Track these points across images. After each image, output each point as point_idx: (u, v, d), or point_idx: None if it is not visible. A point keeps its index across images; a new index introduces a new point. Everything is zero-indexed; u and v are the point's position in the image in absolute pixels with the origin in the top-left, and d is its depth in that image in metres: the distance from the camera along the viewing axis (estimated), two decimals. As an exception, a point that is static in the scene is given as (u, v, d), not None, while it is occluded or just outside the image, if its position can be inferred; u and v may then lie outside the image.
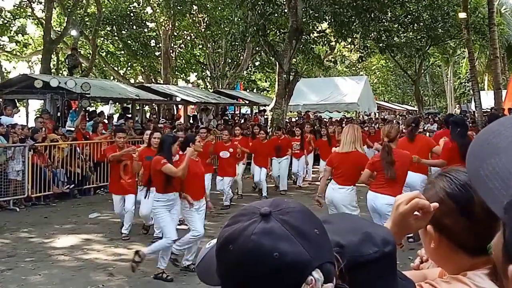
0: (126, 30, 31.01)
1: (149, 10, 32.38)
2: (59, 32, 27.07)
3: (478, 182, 1.04)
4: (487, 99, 28.36)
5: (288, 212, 1.11)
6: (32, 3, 28.51)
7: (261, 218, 1.09)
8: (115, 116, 21.24)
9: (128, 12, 31.33)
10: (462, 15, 23.41)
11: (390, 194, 6.50)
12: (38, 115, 18.05)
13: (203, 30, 30.95)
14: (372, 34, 25.05)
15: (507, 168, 0.98)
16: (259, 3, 18.90)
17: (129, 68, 36.71)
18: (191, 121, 22.47)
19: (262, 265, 1.05)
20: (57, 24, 31.21)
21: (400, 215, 1.52)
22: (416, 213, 1.52)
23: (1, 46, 31.66)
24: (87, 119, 16.76)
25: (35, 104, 27.47)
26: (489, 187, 1.00)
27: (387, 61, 43.41)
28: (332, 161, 7.75)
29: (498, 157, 1.01)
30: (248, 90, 35.25)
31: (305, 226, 1.10)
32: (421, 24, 26.42)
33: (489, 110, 25.01)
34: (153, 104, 23.78)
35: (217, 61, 32.35)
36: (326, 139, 16.14)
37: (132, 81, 35.44)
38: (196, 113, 25.16)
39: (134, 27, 31.46)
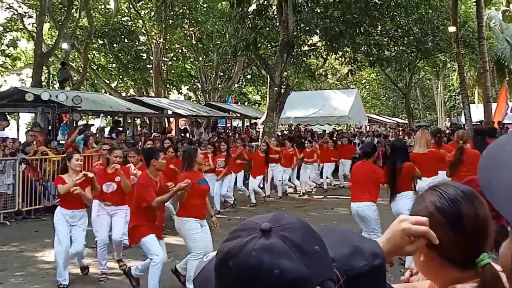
0: (117, 43, 31.03)
1: (140, 23, 32.43)
2: (51, 45, 27.07)
3: (491, 193, 1.08)
4: (477, 112, 28.46)
5: (289, 228, 1.10)
6: (23, 16, 28.54)
7: (261, 234, 1.08)
8: (106, 130, 21.21)
9: (120, 26, 31.37)
10: (452, 29, 23.58)
11: None
12: (29, 129, 18.00)
13: (194, 43, 31.03)
14: (363, 48, 25.19)
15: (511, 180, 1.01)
16: (249, 16, 18.98)
17: (120, 81, 36.69)
18: (182, 134, 22.48)
19: (262, 281, 1.04)
20: (48, 37, 31.20)
21: (401, 231, 1.51)
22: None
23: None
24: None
25: (26, 117, 27.43)
26: (500, 198, 1.04)
27: (378, 74, 43.61)
28: (415, 161, 8.68)
29: (503, 169, 1.05)
30: (239, 103, 35.30)
31: (306, 243, 1.10)
32: (411, 38, 26.57)
33: (478, 123, 25.16)
34: (144, 117, 23.81)
35: (208, 74, 32.41)
36: (264, 155, 15.12)
37: (123, 94, 35.41)
38: (187, 126, 25.17)
39: (126, 40, 31.50)
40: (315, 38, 25.27)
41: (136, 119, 23.76)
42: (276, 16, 18.93)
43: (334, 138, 20.95)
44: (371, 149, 8.76)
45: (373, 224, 8.10)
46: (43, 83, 26.89)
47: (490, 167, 1.11)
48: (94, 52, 32.58)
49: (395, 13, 23.87)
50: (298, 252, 1.07)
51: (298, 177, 17.15)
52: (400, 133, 27.81)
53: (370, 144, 9.77)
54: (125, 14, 33.11)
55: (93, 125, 20.72)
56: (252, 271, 1.05)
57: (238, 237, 1.11)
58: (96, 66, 33.52)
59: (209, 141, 16.86)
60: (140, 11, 31.19)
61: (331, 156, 17.92)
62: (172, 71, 35.76)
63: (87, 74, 30.69)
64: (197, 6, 29.81)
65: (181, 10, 28.68)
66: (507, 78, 36.14)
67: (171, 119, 25.81)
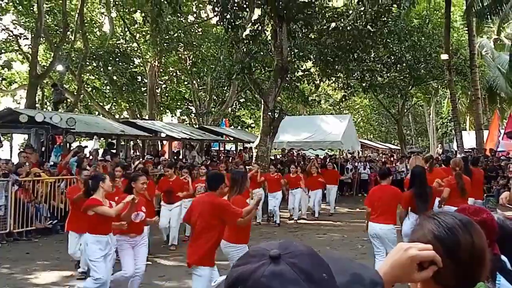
0: (112, 65, 31.13)
1: (135, 46, 32.53)
2: (45, 67, 27.14)
3: None
4: (469, 139, 28.66)
5: (298, 255, 1.12)
6: (19, 38, 28.63)
7: (270, 261, 1.10)
8: (100, 152, 21.17)
9: (114, 48, 31.50)
10: (444, 56, 23.85)
11: None
12: (22, 150, 17.95)
13: (189, 67, 31.16)
14: (356, 74, 25.36)
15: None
16: (244, 42, 19.12)
17: (114, 104, 36.71)
18: (175, 157, 22.48)
19: None
20: (43, 59, 31.28)
21: (409, 258, 1.52)
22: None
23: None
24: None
25: (19, 139, 27.37)
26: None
27: (371, 100, 43.85)
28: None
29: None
30: (232, 126, 35.38)
31: (314, 270, 1.11)
32: (404, 64, 26.81)
33: (470, 150, 25.32)
34: (138, 140, 23.79)
35: (202, 97, 32.51)
36: None
37: (117, 116, 35.43)
38: (180, 150, 25.17)
39: (120, 63, 31.60)
40: (309, 64, 25.44)
41: (129, 141, 23.76)
42: (270, 41, 19.07)
43: (327, 162, 20.86)
44: (388, 170, 9.58)
45: (391, 245, 8.23)
46: (37, 105, 26.87)
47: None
48: (88, 74, 32.64)
49: (388, 40, 24.13)
50: (307, 280, 1.08)
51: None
52: (392, 159, 27.94)
53: (386, 168, 10.97)
54: (120, 37, 33.25)
55: (86, 146, 20.66)
56: None
57: (247, 263, 1.12)
58: (90, 88, 33.58)
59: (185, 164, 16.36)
60: (135, 35, 31.34)
61: (319, 182, 17.35)
62: (166, 94, 35.85)
63: (81, 96, 30.72)
64: (192, 30, 30.00)
65: (176, 34, 28.84)
66: (499, 106, 36.42)
67: (165, 142, 25.81)
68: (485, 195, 17.92)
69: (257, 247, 1.18)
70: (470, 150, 25.55)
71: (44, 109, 27.88)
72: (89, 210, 7.02)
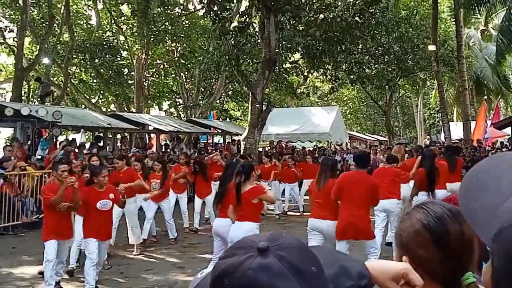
0: (98, 58, 30.92)
1: (122, 38, 32.34)
2: (31, 60, 26.92)
3: (469, 215, 1.12)
4: (456, 130, 28.83)
5: (286, 248, 1.09)
6: (4, 31, 28.37)
7: (258, 253, 1.07)
8: (87, 145, 21.03)
9: (101, 41, 31.29)
10: (432, 47, 23.92)
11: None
12: (7, 143, 17.79)
13: (176, 59, 31.03)
14: (344, 66, 25.36)
15: (494, 202, 1.03)
16: (232, 33, 19.06)
17: (101, 97, 36.52)
18: (163, 150, 22.41)
19: None
20: (29, 52, 31.02)
21: (402, 266, 1.47)
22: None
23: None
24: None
25: (5, 132, 27.18)
26: (479, 220, 1.07)
27: (359, 92, 43.93)
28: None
29: (486, 192, 1.07)
30: (221, 119, 35.32)
31: (303, 263, 1.09)
32: (392, 56, 26.87)
33: (457, 141, 25.46)
34: (125, 133, 23.67)
35: (190, 90, 32.40)
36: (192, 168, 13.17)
37: (104, 109, 35.24)
38: (167, 142, 25.10)
39: (107, 55, 31.40)
40: (297, 56, 25.41)
41: (117, 134, 23.64)
42: (258, 33, 19.02)
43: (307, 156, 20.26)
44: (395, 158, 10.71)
45: (396, 219, 9.43)
46: (23, 98, 26.66)
47: (471, 189, 1.12)
48: (74, 67, 32.42)
49: (376, 32, 24.16)
50: (295, 273, 1.06)
51: None
52: (378, 150, 28.03)
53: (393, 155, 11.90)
54: (107, 30, 33.03)
55: (74, 139, 20.51)
56: None
57: (234, 255, 1.09)
58: (77, 81, 33.36)
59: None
60: (122, 27, 31.13)
61: (293, 175, 15.84)
62: (154, 87, 35.69)
63: (68, 89, 30.51)
64: (179, 22, 29.86)
65: (163, 26, 28.69)
66: (486, 97, 36.61)
67: (152, 135, 25.70)
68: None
69: (245, 239, 1.16)
70: (458, 141, 25.70)
71: (30, 103, 27.67)
72: (256, 198, 7.00)
